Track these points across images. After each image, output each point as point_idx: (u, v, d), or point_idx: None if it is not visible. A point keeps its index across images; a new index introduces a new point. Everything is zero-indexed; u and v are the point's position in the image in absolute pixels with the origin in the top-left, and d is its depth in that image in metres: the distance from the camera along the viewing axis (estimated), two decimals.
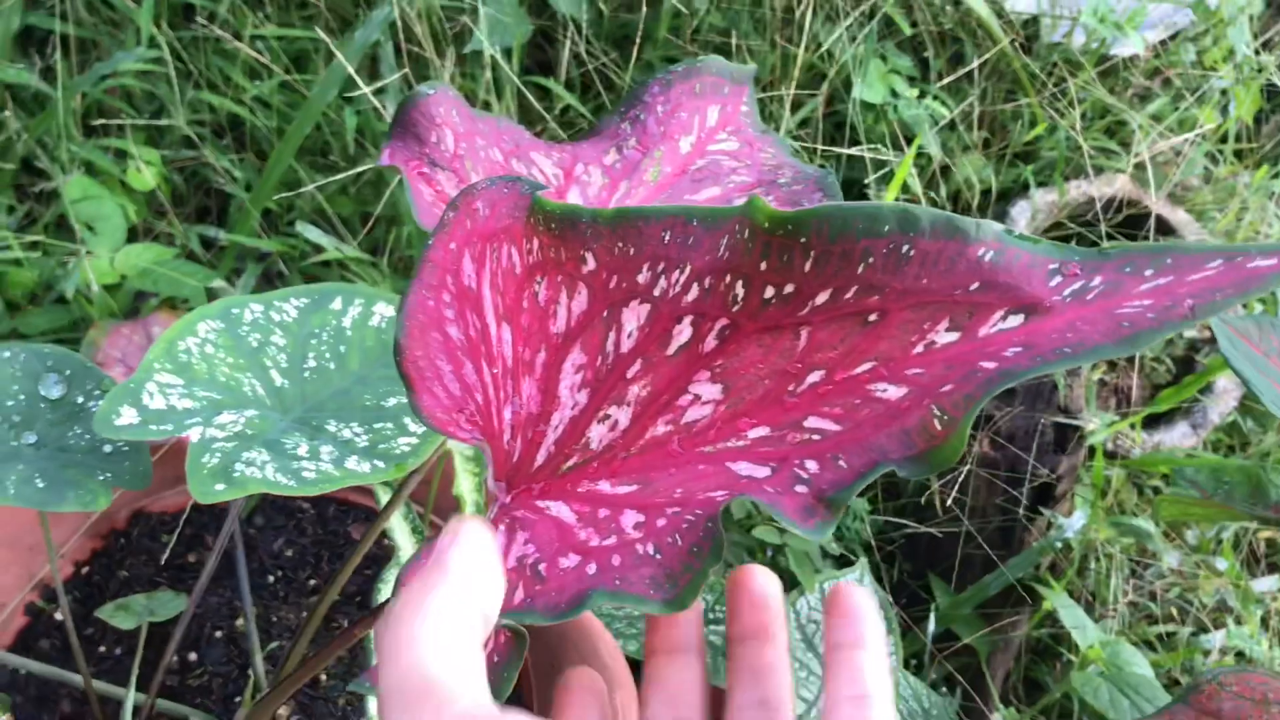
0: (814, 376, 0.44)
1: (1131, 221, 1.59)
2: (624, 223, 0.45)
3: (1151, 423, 1.52)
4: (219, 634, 0.89)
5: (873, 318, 0.43)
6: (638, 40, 1.41)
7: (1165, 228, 1.56)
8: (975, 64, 1.50)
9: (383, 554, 0.96)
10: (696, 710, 0.46)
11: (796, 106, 1.48)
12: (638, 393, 0.47)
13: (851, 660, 0.44)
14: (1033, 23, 1.60)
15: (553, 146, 0.88)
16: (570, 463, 0.48)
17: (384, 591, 0.78)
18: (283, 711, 0.85)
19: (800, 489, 0.42)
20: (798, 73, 1.41)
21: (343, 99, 1.31)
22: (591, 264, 0.45)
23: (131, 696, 0.76)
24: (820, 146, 1.32)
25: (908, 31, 1.49)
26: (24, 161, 1.27)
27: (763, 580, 0.47)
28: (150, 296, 1.20)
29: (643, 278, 0.45)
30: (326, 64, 1.31)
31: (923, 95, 1.51)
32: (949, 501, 1.31)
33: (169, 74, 1.26)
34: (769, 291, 0.43)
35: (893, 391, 0.42)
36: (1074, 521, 1.34)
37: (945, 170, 1.55)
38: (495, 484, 0.48)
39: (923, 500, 1.33)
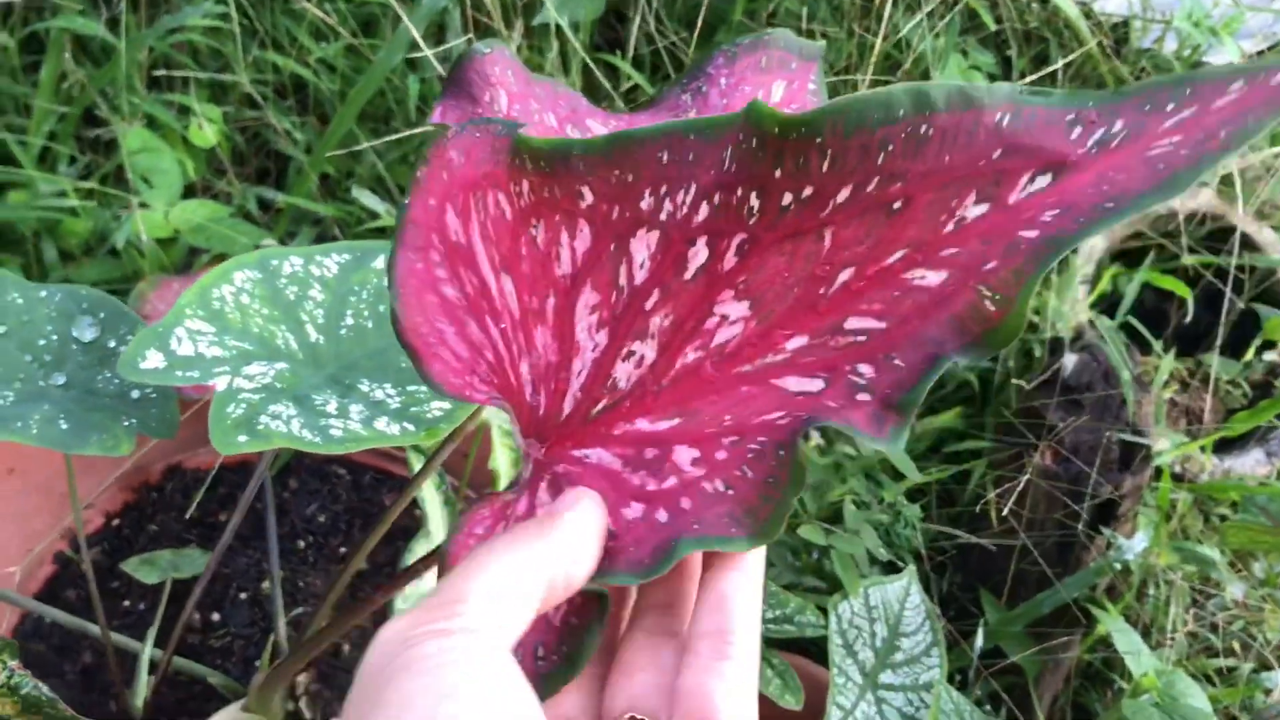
0: (845, 275, 0.42)
1: (1215, 236, 1.53)
2: (617, 148, 0.42)
3: (1223, 447, 1.46)
4: (244, 595, 0.87)
5: (897, 205, 0.40)
6: (706, 20, 1.38)
7: (1250, 245, 1.49)
8: (1060, 65, 1.44)
9: (413, 525, 0.93)
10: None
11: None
12: (660, 323, 0.44)
13: (718, 585, 0.41)
14: (1123, 26, 1.54)
15: (610, 115, 0.85)
16: (600, 406, 0.46)
17: (410, 558, 0.75)
18: (302, 678, 0.83)
19: (863, 397, 0.40)
20: (874, 62, 1.37)
21: (407, 64, 1.29)
22: (589, 198, 0.43)
23: (148, 651, 0.75)
24: None
25: (991, 27, 1.44)
26: (86, 112, 1.27)
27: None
28: (203, 253, 1.19)
29: (646, 204, 0.43)
30: (394, 29, 1.29)
31: None
32: (1005, 513, 1.26)
33: (234, 31, 1.25)
34: (786, 198, 0.41)
35: (932, 277, 0.40)
36: (1135, 543, 1.29)
37: None
38: (524, 441, 0.46)
39: (977, 509, 1.29)
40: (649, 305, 0.44)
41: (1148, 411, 1.33)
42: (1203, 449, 1.42)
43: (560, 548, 0.39)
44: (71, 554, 0.91)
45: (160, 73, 1.30)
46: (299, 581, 0.88)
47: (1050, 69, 1.44)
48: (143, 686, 0.74)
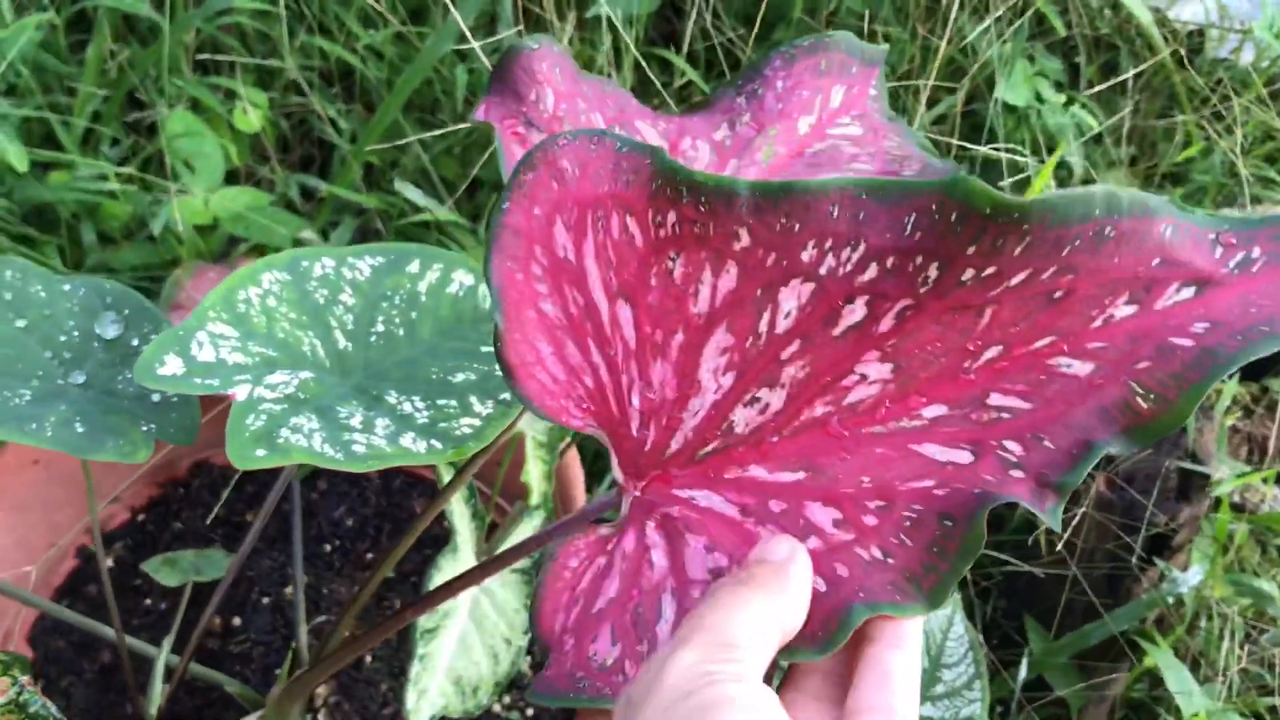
0: (991, 352, 0.42)
1: None
2: (788, 196, 0.42)
3: None
4: (266, 600, 0.85)
5: (1058, 294, 0.41)
6: (765, 16, 1.34)
7: None
8: (1130, 74, 1.39)
9: (443, 534, 0.91)
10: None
11: (933, 102, 1.39)
12: (794, 374, 0.44)
13: (882, 662, 0.41)
14: (1198, 34, 1.48)
15: (659, 116, 0.82)
16: (710, 447, 0.45)
17: (436, 579, 0.73)
18: (322, 690, 0.81)
19: (1016, 474, 0.40)
20: (937, 66, 1.32)
21: (456, 54, 1.26)
22: (745, 240, 0.42)
23: (164, 657, 0.72)
24: (955, 142, 1.23)
25: (1061, 33, 1.38)
26: (131, 93, 1.25)
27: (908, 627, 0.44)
28: (242, 241, 1.17)
29: (807, 255, 0.42)
30: (444, 17, 1.26)
31: (1070, 102, 1.40)
32: (1058, 543, 1.22)
33: (281, 14, 1.23)
34: (968, 274, 0.41)
35: (1078, 367, 0.41)
36: (1190, 576, 1.24)
37: (1086, 184, 1.45)
38: (622, 474, 0.46)
39: (1029, 541, 1.24)
40: (785, 355, 0.44)
41: (1209, 440, 1.28)
42: (1265, 480, 1.36)
43: (794, 600, 0.39)
44: (94, 548, 0.90)
45: (206, 56, 1.28)
46: (323, 588, 0.86)
47: (1120, 78, 1.38)
48: (157, 694, 0.72)
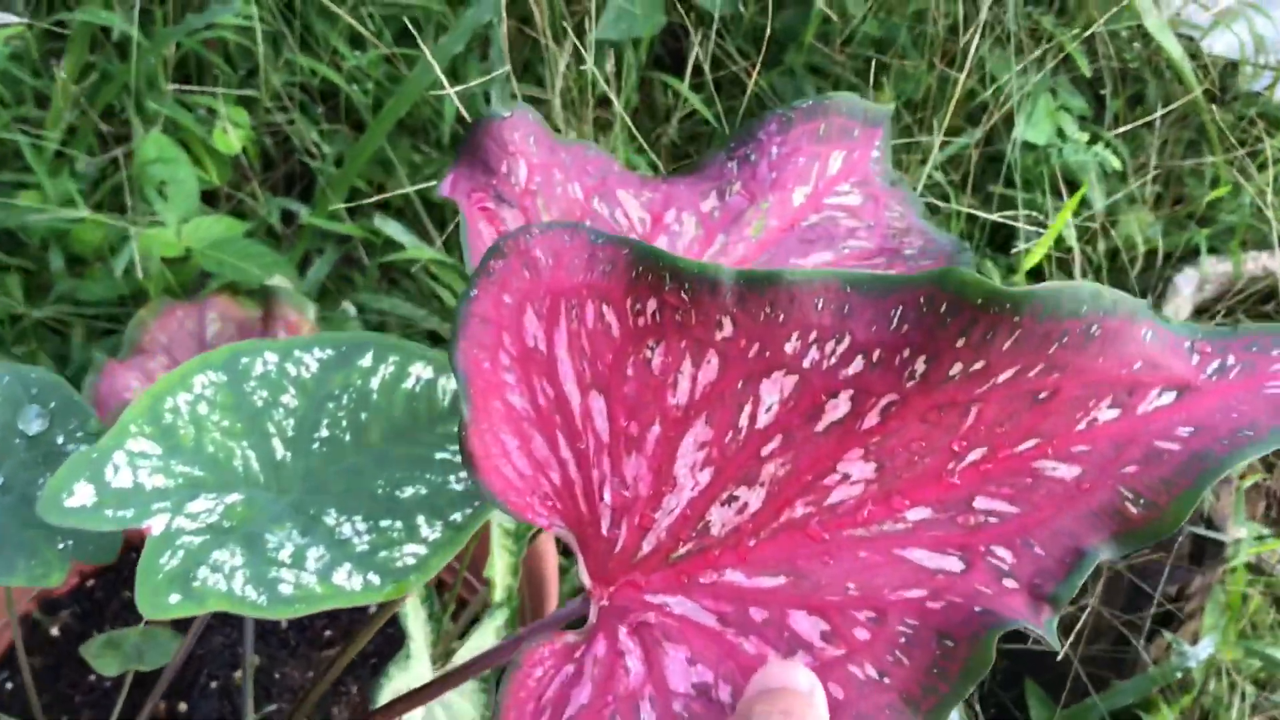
0: (975, 454, 0.41)
1: None
2: (773, 286, 0.41)
3: None
4: (214, 684, 0.80)
5: (1044, 395, 0.41)
6: (773, 39, 1.27)
7: None
8: (1159, 113, 1.32)
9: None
10: None
11: (951, 133, 1.32)
12: (774, 472, 0.42)
13: None
14: (1230, 69, 1.41)
15: (645, 184, 0.76)
16: (684, 549, 0.43)
17: (385, 692, 0.67)
18: None
19: (1009, 583, 0.39)
20: (955, 99, 1.26)
21: (450, 75, 1.20)
22: (728, 330, 0.41)
23: None
24: (963, 185, 1.17)
25: (1086, 73, 1.31)
26: (107, 110, 1.20)
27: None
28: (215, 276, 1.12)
29: (790, 347, 0.41)
30: (436, 37, 1.21)
31: (1094, 140, 1.34)
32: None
33: (262, 31, 1.17)
34: (956, 368, 0.40)
35: (1064, 470, 0.41)
36: (1200, 650, 1.18)
37: (1108, 226, 1.38)
38: (589, 580, 0.44)
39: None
40: (766, 451, 0.42)
41: (1225, 505, 1.22)
42: None
43: None
44: (40, 615, 0.85)
45: (186, 76, 1.22)
46: (275, 671, 0.81)
47: (1148, 118, 1.31)
48: None
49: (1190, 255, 1.40)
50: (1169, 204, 1.45)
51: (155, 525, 0.51)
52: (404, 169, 1.18)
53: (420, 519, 0.57)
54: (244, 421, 0.58)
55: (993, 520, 0.41)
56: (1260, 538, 1.28)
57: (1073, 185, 1.34)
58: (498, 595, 0.75)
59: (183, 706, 0.80)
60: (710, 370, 0.42)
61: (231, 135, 1.17)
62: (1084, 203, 1.36)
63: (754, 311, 0.41)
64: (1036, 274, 1.38)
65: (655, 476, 0.43)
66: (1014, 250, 1.33)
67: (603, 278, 0.42)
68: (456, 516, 0.57)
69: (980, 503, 0.41)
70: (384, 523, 0.56)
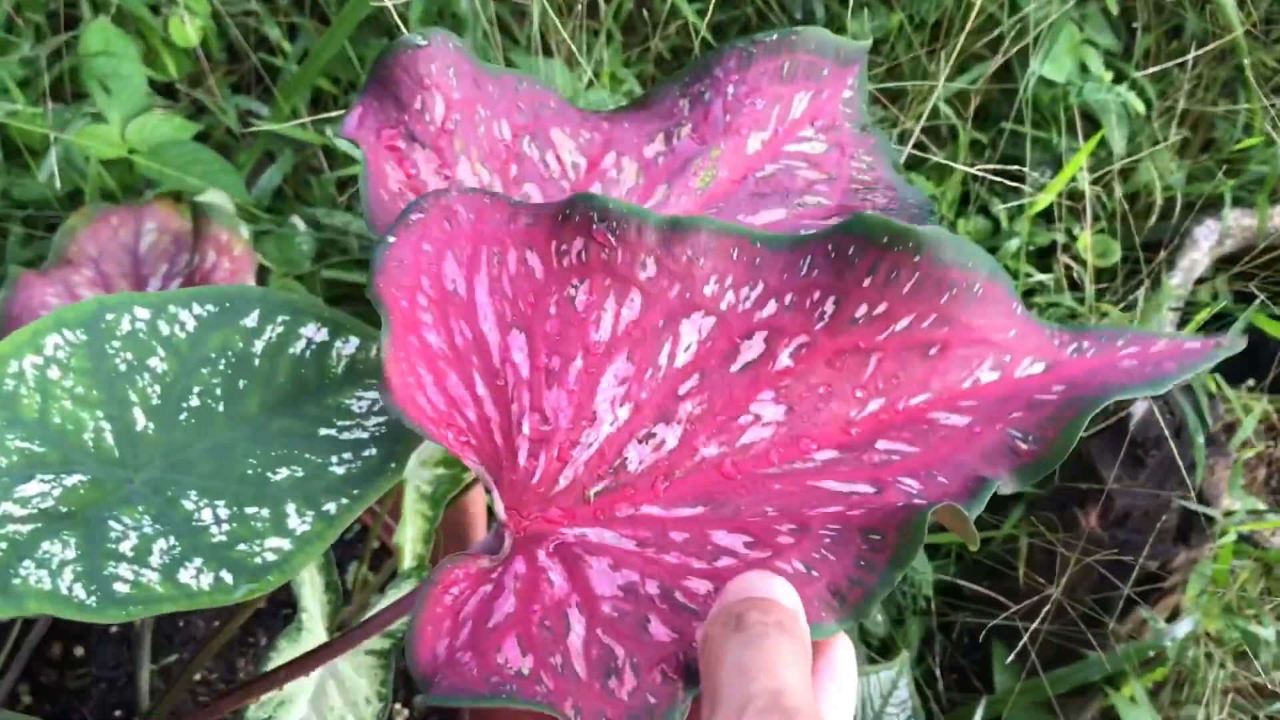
0: (874, 404, 0.44)
1: None
2: (695, 232, 0.43)
3: None
4: (114, 628, 0.76)
5: (934, 351, 0.44)
6: None
7: None
8: (1194, 53, 1.21)
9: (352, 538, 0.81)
10: None
11: (963, 62, 1.23)
12: (690, 410, 0.44)
13: (819, 682, 0.39)
14: (1276, 7, 1.30)
15: (586, 121, 0.69)
16: (601, 486, 0.44)
17: (274, 661, 0.63)
18: None
19: (919, 501, 0.40)
20: (970, 26, 1.16)
21: None
22: (652, 270, 0.43)
23: None
24: (983, 117, 1.09)
25: (1113, 8, 1.21)
26: None
27: (845, 656, 0.40)
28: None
29: (710, 290, 0.43)
30: None
31: (1120, 79, 1.24)
32: (1035, 576, 1.11)
33: None
34: (861, 310, 0.43)
35: (956, 419, 0.43)
36: (1178, 628, 1.13)
37: (1127, 172, 1.29)
38: (504, 512, 0.43)
39: (1021, 581, 1.13)
40: (684, 390, 0.44)
41: (1220, 479, 1.15)
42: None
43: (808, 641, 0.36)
44: None
45: None
46: (180, 620, 0.77)
47: (1181, 59, 1.21)
48: None
49: (1212, 206, 1.31)
50: (1196, 150, 1.36)
51: None
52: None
53: (290, 507, 0.51)
54: (101, 388, 0.52)
55: (895, 458, 0.43)
56: (1255, 512, 1.22)
57: (1094, 126, 1.25)
58: (406, 562, 0.70)
59: (80, 650, 0.76)
60: (633, 308, 0.43)
61: (189, 26, 1.09)
62: (1104, 147, 1.26)
63: (677, 254, 0.43)
64: (1046, 217, 1.30)
65: (576, 410, 0.44)
66: (1024, 192, 1.24)
67: (526, 227, 0.44)
68: (330, 507, 0.51)
69: (882, 444, 0.43)
70: (249, 509, 0.51)
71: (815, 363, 0.43)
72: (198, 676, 0.75)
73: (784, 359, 0.43)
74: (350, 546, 0.84)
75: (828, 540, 0.40)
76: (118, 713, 0.73)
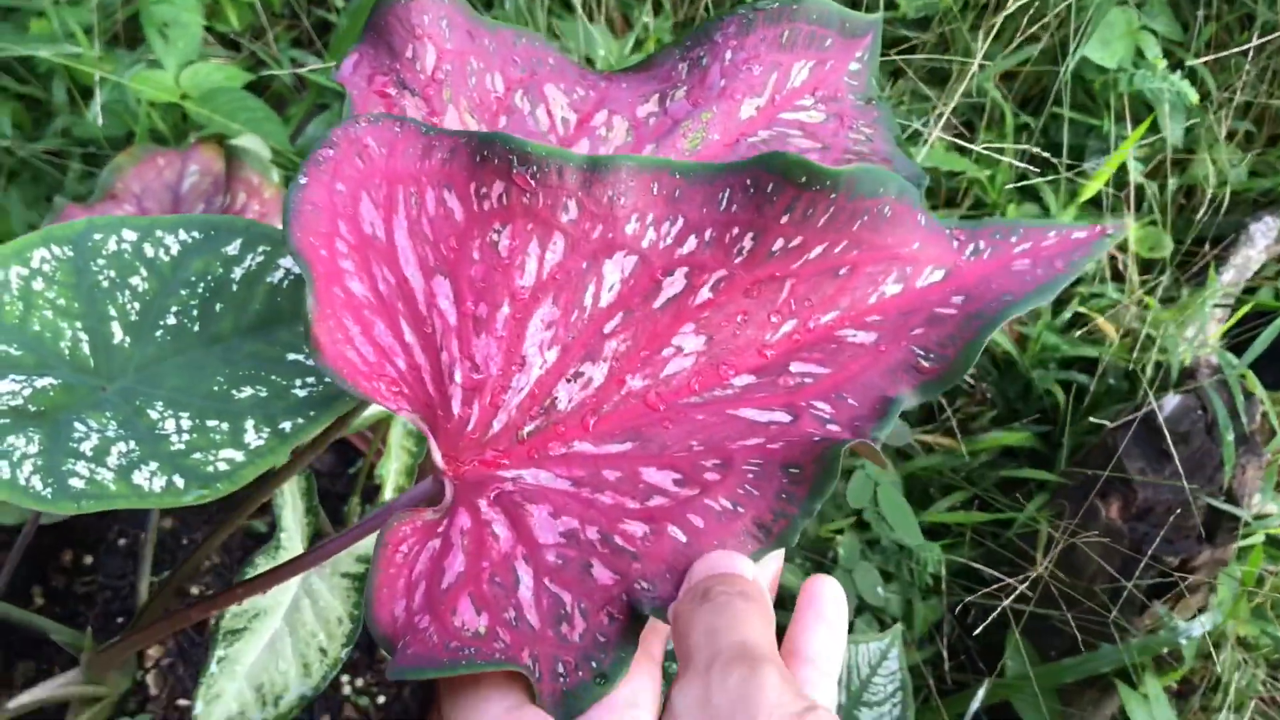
0: (787, 326, 0.45)
1: None
2: (614, 171, 0.43)
3: None
4: (123, 542, 0.80)
5: (844, 271, 0.45)
6: None
7: None
8: (1257, 40, 1.18)
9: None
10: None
11: (1010, 42, 1.21)
12: (616, 348, 0.45)
13: (807, 623, 0.42)
14: None
15: (583, 79, 0.70)
16: (533, 425, 0.45)
17: (250, 575, 0.67)
18: (154, 651, 0.77)
19: (833, 428, 0.43)
20: (1017, 2, 1.15)
21: None
22: (574, 212, 0.43)
23: None
24: (1032, 101, 1.08)
25: None
26: None
27: (833, 597, 0.43)
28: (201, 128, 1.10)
29: (631, 229, 0.44)
30: None
31: (1177, 67, 1.21)
32: (1050, 564, 1.10)
33: None
34: (778, 243, 0.44)
35: (863, 336, 0.45)
36: (1195, 627, 1.11)
37: (1181, 160, 1.26)
38: (442, 458, 0.44)
39: (1038, 574, 1.12)
40: (609, 328, 0.45)
41: (1250, 478, 1.13)
42: None
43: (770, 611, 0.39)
44: None
45: None
46: (185, 537, 0.81)
47: (1244, 46, 1.18)
48: None
49: (1275, 204, 1.28)
50: (1260, 143, 1.32)
51: None
52: None
53: (249, 423, 0.54)
54: (82, 301, 0.56)
55: (808, 380, 0.44)
56: None
57: (1142, 116, 1.22)
58: (387, 494, 0.73)
59: (89, 559, 0.80)
60: (557, 251, 0.43)
61: None
62: (1160, 135, 1.24)
63: (598, 195, 0.43)
64: (1095, 205, 1.28)
65: (506, 356, 0.44)
66: (1074, 179, 1.22)
67: (442, 164, 0.43)
68: (286, 425, 0.54)
69: (795, 367, 0.45)
70: (210, 422, 0.54)
71: (734, 294, 0.45)
72: (195, 591, 0.79)
73: (704, 293, 0.44)
74: (350, 481, 0.87)
75: (751, 476, 0.41)
76: (119, 619, 0.78)
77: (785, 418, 0.44)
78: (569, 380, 0.45)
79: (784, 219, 0.44)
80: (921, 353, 0.44)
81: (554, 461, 0.44)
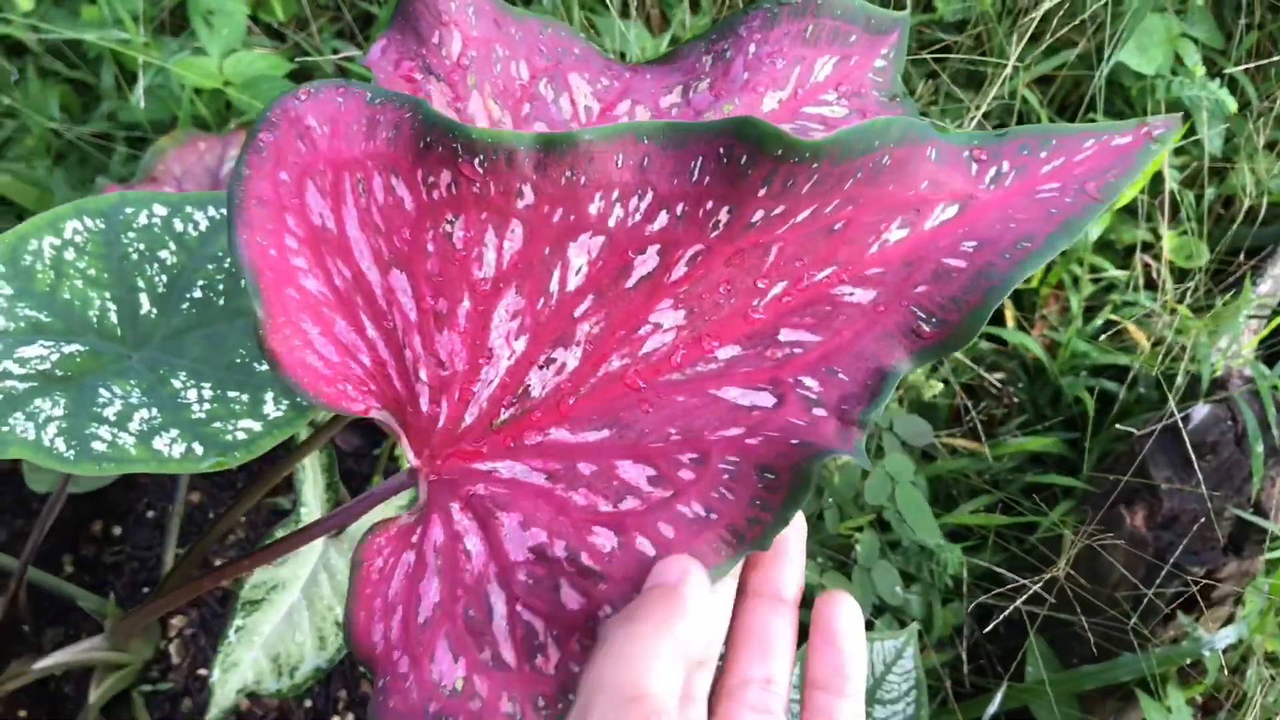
0: (778, 288, 0.42)
1: None
2: (572, 148, 0.39)
3: None
4: (151, 514, 0.82)
5: (838, 226, 0.42)
6: None
7: None
8: None
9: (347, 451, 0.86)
10: (786, 671, 0.42)
11: (1051, 50, 1.21)
12: (588, 331, 0.43)
13: (828, 711, 0.41)
14: None
15: (608, 70, 0.71)
16: (507, 414, 0.43)
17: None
18: (176, 621, 0.79)
19: (819, 412, 0.40)
20: (1050, 2, 1.14)
21: None
22: (529, 197, 0.40)
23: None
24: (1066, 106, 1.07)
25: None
26: None
27: (846, 618, 0.42)
28: (241, 114, 1.12)
29: (595, 208, 0.40)
30: None
31: (1217, 75, 1.20)
32: (1069, 570, 1.09)
33: None
34: (758, 215, 0.41)
35: (860, 295, 0.42)
36: (1220, 638, 1.10)
37: (1219, 169, 1.25)
38: (415, 457, 0.43)
39: (1052, 574, 1.11)
40: (579, 312, 0.42)
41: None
42: None
43: (695, 622, 0.36)
44: None
45: None
46: (211, 511, 0.83)
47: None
48: None
49: None
50: None
51: None
52: None
53: (268, 395, 0.56)
54: (112, 272, 0.58)
55: (798, 350, 0.42)
56: None
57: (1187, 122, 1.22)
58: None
59: (118, 530, 0.82)
60: (515, 239, 0.41)
61: None
62: (1198, 146, 1.23)
63: (554, 176, 0.40)
64: (1130, 213, 1.27)
65: (470, 350, 0.42)
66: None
67: (387, 145, 0.40)
68: None
69: (785, 334, 0.42)
70: (230, 393, 0.55)
71: (713, 265, 0.42)
72: (219, 563, 0.81)
73: (680, 269, 0.42)
74: (374, 462, 0.88)
75: (726, 477, 0.40)
76: (145, 589, 0.80)
77: (769, 400, 0.41)
78: (541, 367, 0.43)
79: (761, 191, 0.40)
80: (923, 315, 0.41)
81: (529, 452, 0.43)
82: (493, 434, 0.43)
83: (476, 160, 0.40)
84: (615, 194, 0.40)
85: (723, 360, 0.42)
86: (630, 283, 0.42)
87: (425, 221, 0.41)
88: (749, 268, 0.42)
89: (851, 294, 0.42)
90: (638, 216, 0.41)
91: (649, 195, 0.40)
